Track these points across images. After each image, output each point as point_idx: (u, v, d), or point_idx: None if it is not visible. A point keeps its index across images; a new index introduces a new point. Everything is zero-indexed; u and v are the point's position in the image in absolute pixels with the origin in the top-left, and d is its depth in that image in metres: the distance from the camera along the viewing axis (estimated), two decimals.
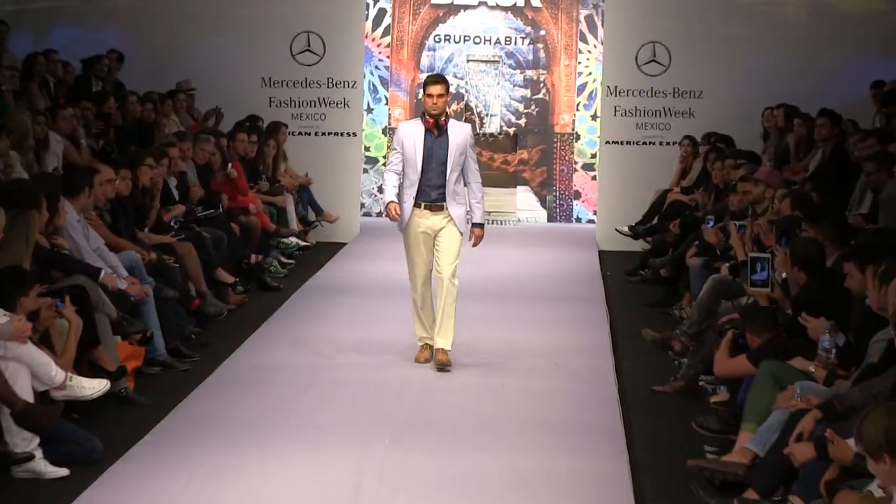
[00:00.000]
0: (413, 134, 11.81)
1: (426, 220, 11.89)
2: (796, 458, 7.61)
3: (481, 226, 12.15)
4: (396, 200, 11.82)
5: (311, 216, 18.99)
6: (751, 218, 12.97)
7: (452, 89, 21.23)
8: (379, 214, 20.31)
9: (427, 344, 12.19)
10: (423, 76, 21.09)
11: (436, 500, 8.77)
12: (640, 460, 9.64)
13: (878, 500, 6.28)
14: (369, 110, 21.11)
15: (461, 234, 11.92)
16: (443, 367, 11.89)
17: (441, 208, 11.86)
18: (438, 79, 11.91)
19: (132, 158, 13.76)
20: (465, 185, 11.97)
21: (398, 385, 11.37)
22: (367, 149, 20.97)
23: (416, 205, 11.87)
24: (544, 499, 8.82)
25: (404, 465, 9.28)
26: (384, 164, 20.92)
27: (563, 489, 9.01)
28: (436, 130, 11.77)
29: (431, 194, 11.85)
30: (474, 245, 12.16)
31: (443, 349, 11.98)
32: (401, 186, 11.85)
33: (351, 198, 19.71)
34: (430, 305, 12.15)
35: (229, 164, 16.19)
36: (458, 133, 11.84)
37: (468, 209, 12.06)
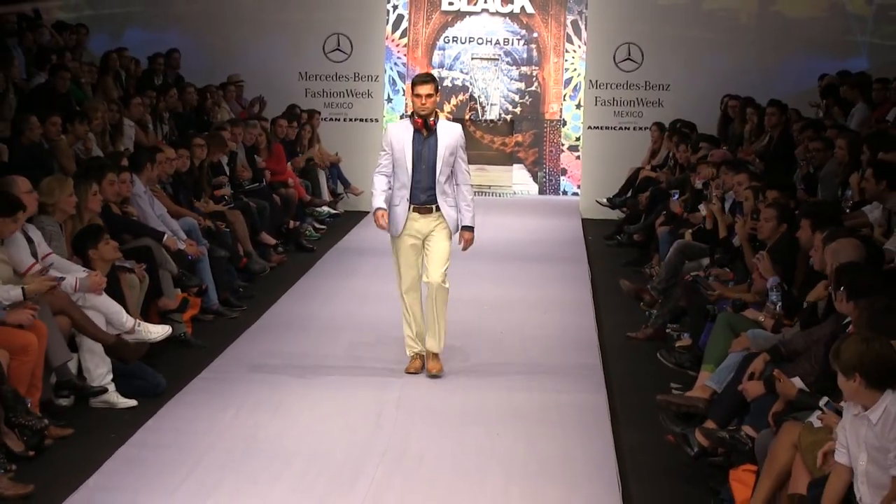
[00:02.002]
0: (402, 135, 9.88)
1: (415, 224, 9.94)
2: (748, 393, 7.61)
3: (471, 229, 10.12)
4: (385, 207, 9.96)
5: (340, 189, 19.01)
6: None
7: (458, 83, 21.41)
8: None
9: (417, 353, 10.16)
10: (435, 71, 21.04)
11: (444, 426, 8.78)
12: (616, 395, 9.65)
13: (816, 429, 6.25)
14: (389, 100, 21.03)
15: (451, 236, 10.08)
16: (435, 376, 10.02)
17: (430, 210, 9.94)
18: (427, 78, 9.94)
19: (189, 140, 13.78)
20: (455, 186, 10.01)
21: None
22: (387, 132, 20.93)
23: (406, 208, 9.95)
24: (535, 428, 8.82)
25: (417, 398, 9.29)
26: None
27: (551, 419, 9.02)
28: (425, 131, 9.82)
29: (421, 196, 9.90)
30: (464, 249, 10.18)
31: (434, 353, 10.12)
32: (392, 189, 9.98)
33: (373, 173, 19.60)
34: (419, 311, 10.13)
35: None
36: (448, 134, 9.90)
37: (458, 211, 10.04)
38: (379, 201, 9.99)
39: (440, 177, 9.84)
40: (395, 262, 10.11)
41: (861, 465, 5.45)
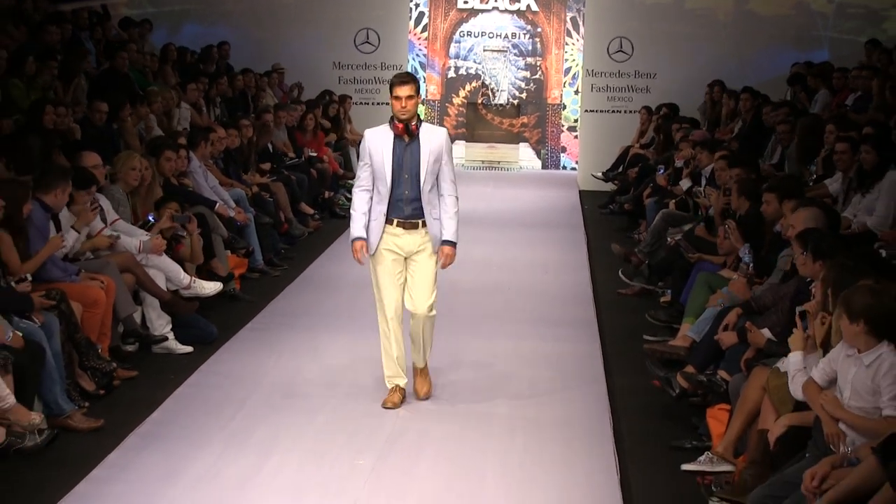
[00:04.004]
0: (381, 142, 7.67)
1: (398, 240, 7.71)
2: (723, 343, 7.60)
3: (453, 245, 7.77)
4: (365, 237, 7.70)
5: None
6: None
7: (472, 72, 21.30)
8: None
9: (398, 385, 7.89)
10: (451, 62, 20.97)
11: (457, 368, 8.78)
12: (608, 344, 9.62)
13: (782, 374, 6.24)
14: None
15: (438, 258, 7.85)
16: (425, 398, 8.06)
17: (416, 226, 7.70)
18: (406, 78, 7.76)
19: (238, 121, 13.80)
20: (439, 197, 7.78)
21: None
22: None
23: (388, 221, 7.70)
24: (538, 371, 8.84)
25: (435, 342, 9.24)
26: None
27: (551, 365, 9.01)
28: (406, 137, 7.63)
29: (405, 210, 7.68)
30: (444, 266, 7.85)
31: (421, 369, 8.08)
32: (371, 203, 7.76)
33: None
34: (401, 341, 7.90)
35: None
36: (433, 138, 7.69)
37: (440, 224, 7.79)
38: (358, 229, 7.74)
39: (424, 186, 7.64)
40: (375, 284, 7.88)
41: (844, 399, 5.44)
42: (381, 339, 7.92)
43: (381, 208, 7.70)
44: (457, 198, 7.80)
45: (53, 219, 8.48)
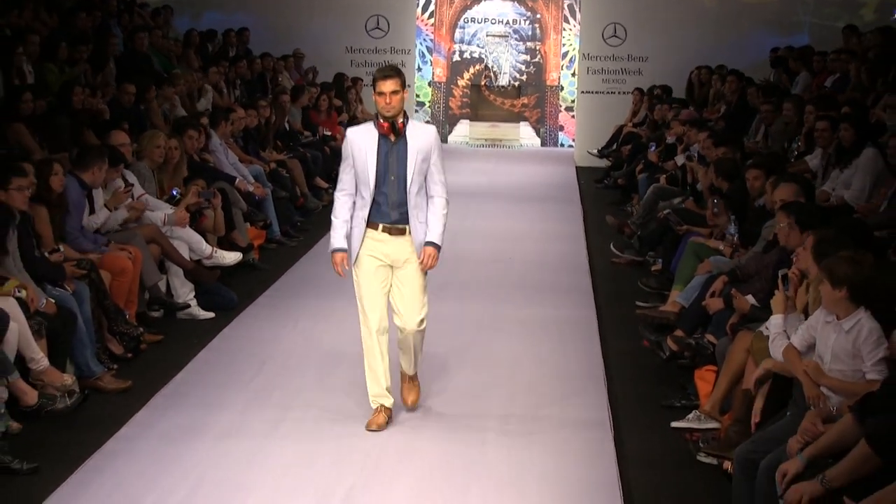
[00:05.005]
0: (364, 142, 6.54)
1: (384, 247, 6.59)
2: (710, 308, 7.58)
3: (437, 246, 6.60)
4: (345, 248, 6.64)
5: None
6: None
7: (476, 56, 21.22)
8: None
9: (383, 405, 6.72)
10: (456, 46, 20.87)
11: (462, 332, 8.75)
12: (603, 309, 9.61)
13: (764, 337, 6.20)
14: (419, 69, 20.84)
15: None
16: (412, 407, 7.03)
17: (404, 232, 6.58)
18: (390, 72, 6.52)
19: (256, 102, 13.76)
20: (428, 199, 6.66)
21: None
22: (417, 95, 20.78)
23: (372, 226, 6.58)
24: (537, 335, 8.82)
25: (441, 310, 9.19)
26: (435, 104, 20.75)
27: (550, 329, 9.01)
28: (392, 135, 6.49)
29: (392, 214, 6.56)
30: (424, 269, 6.61)
31: (410, 377, 7.02)
32: (354, 208, 6.64)
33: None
34: (387, 355, 6.72)
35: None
36: (421, 136, 6.56)
37: (426, 226, 6.64)
38: (338, 239, 6.64)
39: (411, 188, 6.53)
40: (357, 295, 6.72)
41: (825, 364, 5.42)
42: (364, 354, 6.73)
43: (363, 213, 6.58)
44: (447, 200, 6.67)
45: (87, 196, 8.54)
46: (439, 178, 6.64)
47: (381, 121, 6.53)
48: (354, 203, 6.64)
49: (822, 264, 5.47)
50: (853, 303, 5.32)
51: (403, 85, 6.54)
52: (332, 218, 6.68)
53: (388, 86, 6.46)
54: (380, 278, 6.63)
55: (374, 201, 6.56)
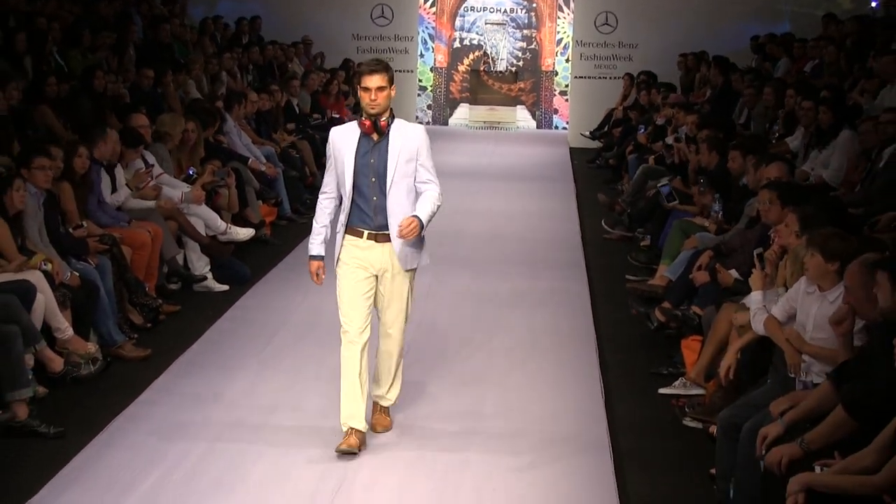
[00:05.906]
0: (345, 141, 5.73)
1: (369, 254, 5.76)
2: (697, 281, 7.57)
3: (421, 223, 5.66)
4: (322, 256, 5.89)
5: None
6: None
7: (475, 42, 21.10)
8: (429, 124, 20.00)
9: (353, 428, 5.73)
10: (457, 34, 20.78)
11: (460, 305, 8.75)
12: (595, 282, 9.59)
13: (747, 309, 6.19)
14: (421, 55, 20.75)
15: (413, 277, 5.95)
16: (384, 430, 6.09)
17: (389, 238, 5.74)
18: (376, 67, 5.73)
19: (268, 86, 13.72)
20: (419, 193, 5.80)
21: (441, 232, 10.18)
22: (419, 80, 20.70)
23: (355, 232, 5.78)
24: (532, 308, 8.80)
25: (441, 281, 9.17)
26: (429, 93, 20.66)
27: (545, 301, 8.98)
28: (374, 135, 5.68)
29: (375, 219, 5.73)
30: (399, 235, 5.62)
31: (386, 408, 6.14)
32: (338, 211, 5.88)
33: (409, 112, 19.47)
34: (366, 374, 5.81)
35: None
36: (406, 136, 5.74)
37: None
38: (316, 245, 5.91)
39: (391, 190, 5.68)
40: (339, 297, 5.84)
41: (807, 332, 5.41)
42: (340, 367, 5.79)
43: (343, 218, 5.82)
44: (440, 194, 5.82)
45: (109, 174, 8.54)
46: (428, 176, 5.77)
47: (364, 119, 5.71)
48: (337, 206, 5.88)
49: (815, 240, 5.44)
50: (839, 276, 5.31)
51: (391, 81, 5.75)
52: (314, 222, 5.95)
53: (373, 81, 5.67)
54: (365, 287, 5.79)
55: (353, 204, 5.76)
